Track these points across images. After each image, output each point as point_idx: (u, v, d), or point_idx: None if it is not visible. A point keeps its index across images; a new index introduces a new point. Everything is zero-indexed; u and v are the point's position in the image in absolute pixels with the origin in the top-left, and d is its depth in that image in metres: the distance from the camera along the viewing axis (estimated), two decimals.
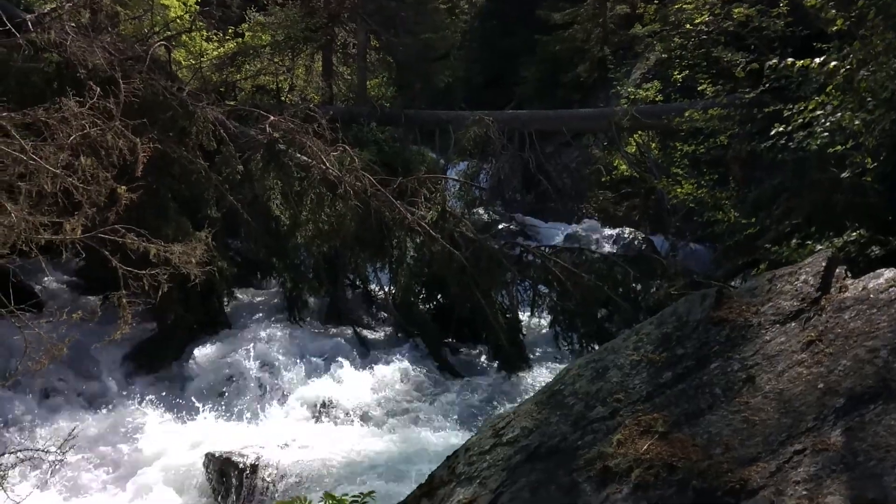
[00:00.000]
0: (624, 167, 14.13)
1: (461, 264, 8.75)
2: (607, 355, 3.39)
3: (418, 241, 8.98)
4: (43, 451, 4.94)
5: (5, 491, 4.50)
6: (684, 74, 11.93)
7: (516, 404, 6.68)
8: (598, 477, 2.79)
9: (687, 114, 10.99)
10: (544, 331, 9.53)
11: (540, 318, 9.61)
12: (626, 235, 13.21)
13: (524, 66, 19.03)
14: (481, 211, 13.65)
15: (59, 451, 4.86)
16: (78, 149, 5.31)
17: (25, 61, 7.62)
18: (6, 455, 5.15)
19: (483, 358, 9.21)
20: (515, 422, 3.30)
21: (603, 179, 14.53)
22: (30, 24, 7.90)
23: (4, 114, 5.14)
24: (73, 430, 5.37)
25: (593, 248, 11.58)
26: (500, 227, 13.30)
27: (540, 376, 8.48)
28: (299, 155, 9.08)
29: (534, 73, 18.76)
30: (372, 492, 3.06)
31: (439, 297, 9.75)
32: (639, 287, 9.17)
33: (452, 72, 18.95)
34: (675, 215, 12.26)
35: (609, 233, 13.46)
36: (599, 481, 2.77)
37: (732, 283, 8.06)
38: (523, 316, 9.48)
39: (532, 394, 5.10)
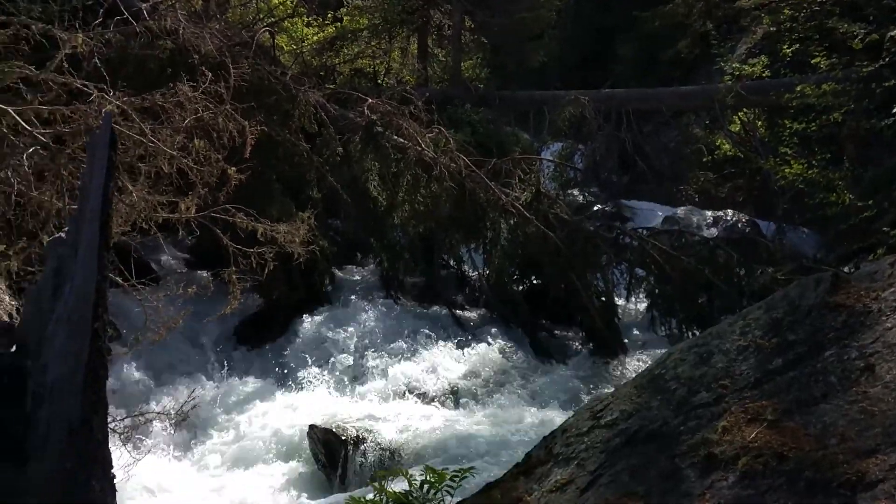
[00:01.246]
0: (727, 147, 13.55)
1: (556, 246, 8.68)
2: (712, 340, 3.30)
3: (512, 222, 8.94)
4: (163, 414, 5.28)
5: (128, 450, 4.86)
6: (794, 48, 11.29)
7: (611, 388, 6.63)
8: (701, 463, 2.73)
9: (798, 88, 10.38)
10: (641, 315, 9.34)
11: (636, 301, 9.42)
12: (728, 218, 12.71)
13: (621, 43, 18.45)
14: (576, 192, 13.44)
15: (176, 416, 5.19)
16: (192, 131, 5.59)
17: (142, 48, 8.01)
18: (127, 419, 5.55)
19: (577, 341, 9.13)
20: (614, 405, 3.26)
21: (704, 160, 13.97)
22: (145, 12, 8.28)
23: (125, 98, 5.43)
24: (190, 395, 5.70)
25: (694, 230, 11.22)
26: (596, 208, 13.08)
27: (635, 361, 8.34)
28: (396, 137, 9.21)
29: (631, 50, 18.16)
30: (471, 467, 3.11)
31: (533, 278, 9.71)
32: (742, 272, 8.80)
33: (547, 52, 18.61)
34: (782, 197, 11.67)
35: (711, 215, 12.99)
36: (703, 468, 2.71)
37: (845, 269, 7.64)
38: (619, 299, 9.32)
39: (627, 378, 5.03)
